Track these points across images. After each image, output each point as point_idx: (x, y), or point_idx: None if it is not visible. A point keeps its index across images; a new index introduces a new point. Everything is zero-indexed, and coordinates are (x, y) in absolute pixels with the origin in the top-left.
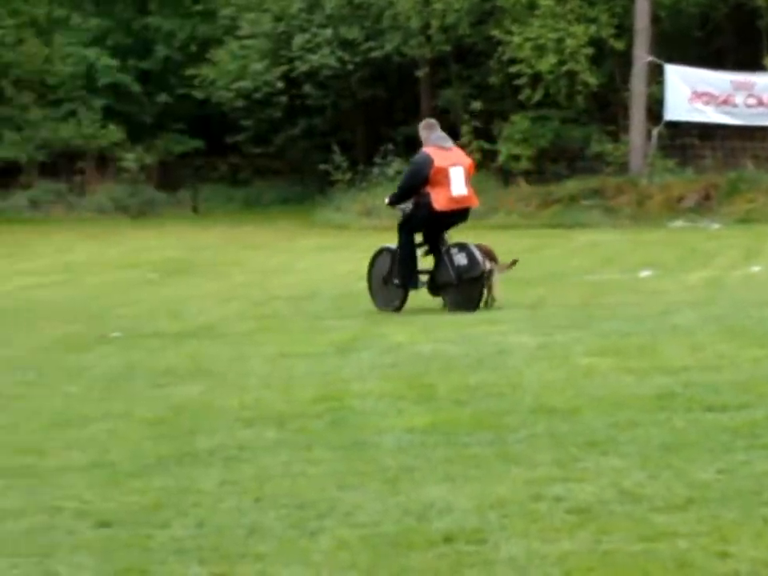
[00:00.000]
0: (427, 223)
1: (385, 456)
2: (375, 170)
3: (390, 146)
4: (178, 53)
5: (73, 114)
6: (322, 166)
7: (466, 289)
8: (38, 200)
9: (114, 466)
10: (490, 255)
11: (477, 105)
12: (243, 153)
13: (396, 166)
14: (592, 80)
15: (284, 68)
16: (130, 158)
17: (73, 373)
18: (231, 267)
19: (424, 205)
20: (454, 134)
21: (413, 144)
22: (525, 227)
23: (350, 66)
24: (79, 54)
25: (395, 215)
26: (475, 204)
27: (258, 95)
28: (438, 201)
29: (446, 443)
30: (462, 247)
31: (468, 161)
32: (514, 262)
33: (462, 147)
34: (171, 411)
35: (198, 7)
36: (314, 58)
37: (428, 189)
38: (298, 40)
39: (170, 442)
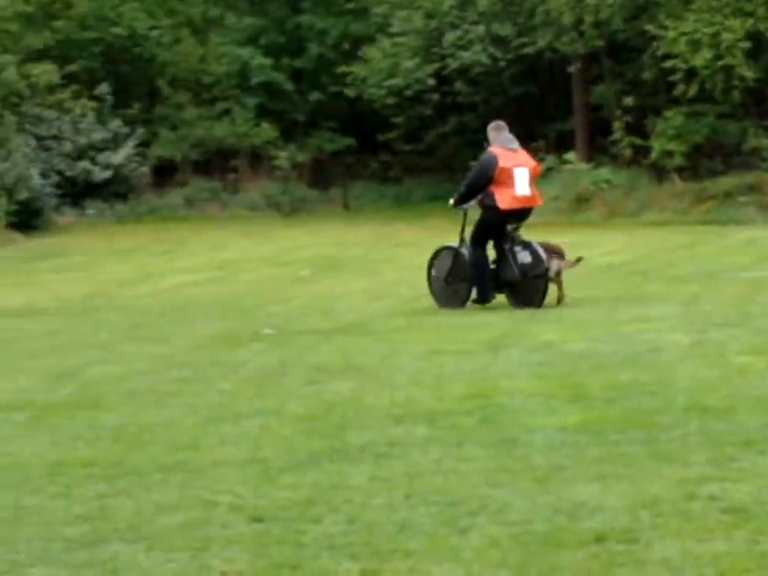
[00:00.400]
0: (494, 223)
1: (535, 454)
2: None
3: (542, 143)
4: (330, 51)
5: (227, 112)
6: (472, 163)
7: (529, 286)
8: (193, 198)
9: (267, 462)
10: (558, 253)
11: (629, 100)
12: (394, 150)
13: (548, 163)
14: (749, 74)
15: (435, 65)
16: (283, 156)
17: (227, 369)
18: (382, 264)
19: (489, 206)
20: (606, 130)
21: (564, 140)
22: (678, 224)
23: (502, 63)
24: (233, 53)
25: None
26: (538, 203)
27: (409, 92)
28: (503, 200)
29: (596, 442)
30: (527, 245)
31: (533, 163)
32: (579, 259)
33: (614, 143)
34: (322, 407)
35: (351, 5)
36: (466, 55)
37: (492, 188)
38: (450, 37)
39: (321, 439)
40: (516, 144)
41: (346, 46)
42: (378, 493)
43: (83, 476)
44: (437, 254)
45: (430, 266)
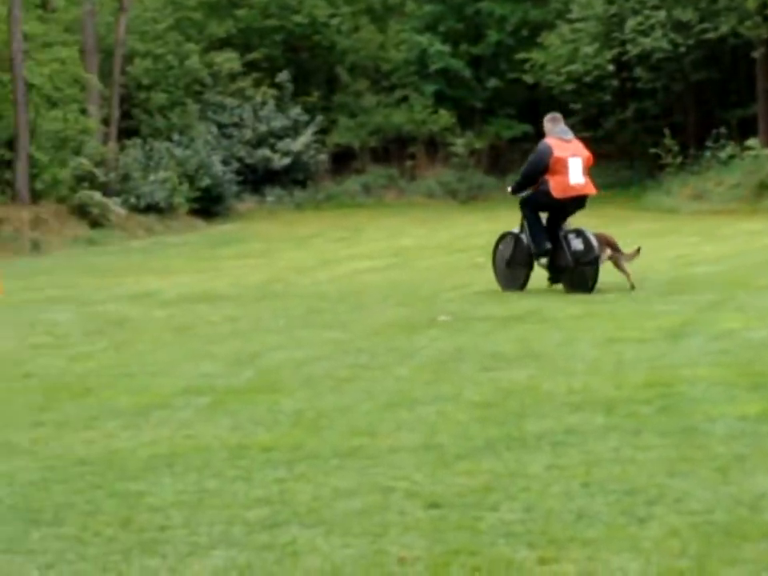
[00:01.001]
0: (546, 208)
1: (716, 443)
2: (707, 154)
3: (723, 129)
4: (509, 37)
5: (405, 99)
6: (652, 150)
7: (581, 272)
8: (370, 185)
9: (443, 448)
10: (610, 243)
11: None
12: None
13: (729, 150)
14: None
15: (615, 51)
16: (460, 144)
17: (403, 355)
18: None
19: (543, 192)
20: None
21: (746, 126)
22: None
23: (683, 49)
24: (412, 40)
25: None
26: (593, 192)
27: (588, 79)
28: (557, 189)
29: None
30: (579, 233)
31: (587, 153)
32: (638, 250)
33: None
34: (499, 394)
35: None
36: (646, 41)
37: (547, 177)
38: (631, 23)
39: (497, 426)
40: (570, 135)
41: (525, 32)
42: (555, 481)
43: (263, 460)
44: (501, 239)
45: (495, 249)
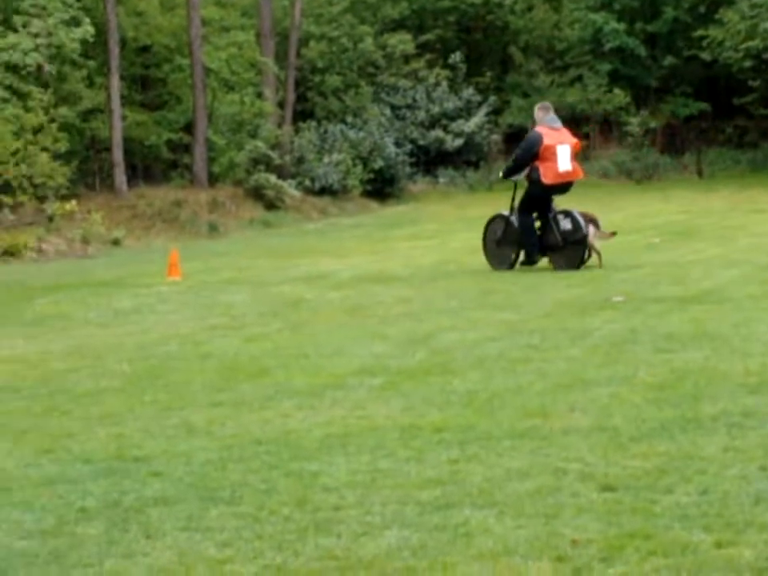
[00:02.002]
0: (539, 198)
1: None
2: None
3: None
4: (686, 14)
5: (579, 79)
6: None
7: (570, 250)
8: None
9: (617, 430)
10: (593, 221)
11: None
12: (750, 114)
13: None
14: None
15: None
16: (635, 122)
17: (576, 336)
18: (735, 231)
19: (535, 180)
20: None
21: None
22: None
23: None
24: (587, 18)
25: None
26: (580, 176)
27: (767, 55)
28: (546, 175)
29: None
30: (567, 214)
31: (574, 140)
32: (614, 233)
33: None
34: (674, 376)
35: None
36: None
37: (537, 163)
38: None
39: (672, 408)
40: (559, 123)
41: (702, 9)
42: (731, 464)
43: (435, 441)
44: (492, 220)
45: (486, 230)
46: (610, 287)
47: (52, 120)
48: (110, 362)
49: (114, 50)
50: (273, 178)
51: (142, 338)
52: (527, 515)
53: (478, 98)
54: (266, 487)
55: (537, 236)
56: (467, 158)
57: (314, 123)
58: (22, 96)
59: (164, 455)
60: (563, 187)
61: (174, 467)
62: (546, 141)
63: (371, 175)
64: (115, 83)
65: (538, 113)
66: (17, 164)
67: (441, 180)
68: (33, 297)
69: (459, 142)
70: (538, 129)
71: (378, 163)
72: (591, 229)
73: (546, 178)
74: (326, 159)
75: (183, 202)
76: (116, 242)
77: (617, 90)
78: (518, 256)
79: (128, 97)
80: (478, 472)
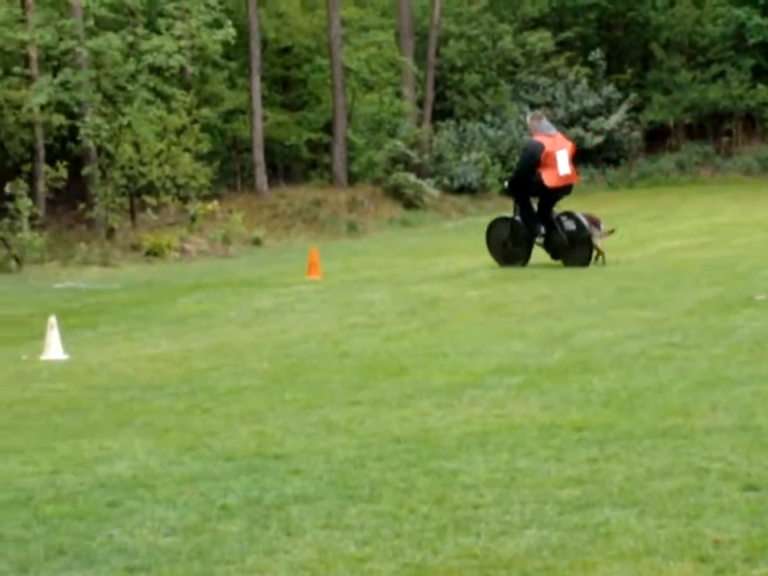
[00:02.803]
0: (539, 196)
1: None
2: None
3: None
4: None
5: (721, 75)
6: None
7: (577, 249)
8: (685, 162)
9: (760, 429)
10: (595, 222)
11: None
12: None
13: None
14: None
15: None
16: None
17: (718, 335)
18: None
19: (537, 182)
20: None
21: None
22: None
23: None
24: (730, 13)
25: None
26: (577, 181)
27: None
28: (549, 179)
29: None
30: (570, 215)
31: (569, 144)
32: (612, 231)
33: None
34: None
35: None
36: None
37: (540, 170)
38: None
39: None
40: (554, 130)
41: None
42: None
43: (575, 440)
44: (494, 224)
45: (489, 232)
46: (753, 285)
47: (194, 121)
48: (251, 361)
49: (256, 51)
50: (412, 177)
51: (282, 337)
52: (668, 515)
53: (619, 95)
54: (405, 485)
55: (534, 212)
56: (607, 155)
57: (452, 122)
58: (165, 98)
59: (304, 453)
60: (565, 190)
61: (313, 465)
62: (547, 148)
63: (510, 174)
64: (256, 84)
65: (532, 122)
66: (160, 165)
67: (580, 178)
68: (175, 296)
69: (599, 139)
70: (537, 138)
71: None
72: (594, 229)
73: (549, 182)
74: (464, 158)
75: (323, 201)
76: (257, 242)
77: (760, 86)
78: (530, 253)
79: (269, 97)
80: (619, 471)
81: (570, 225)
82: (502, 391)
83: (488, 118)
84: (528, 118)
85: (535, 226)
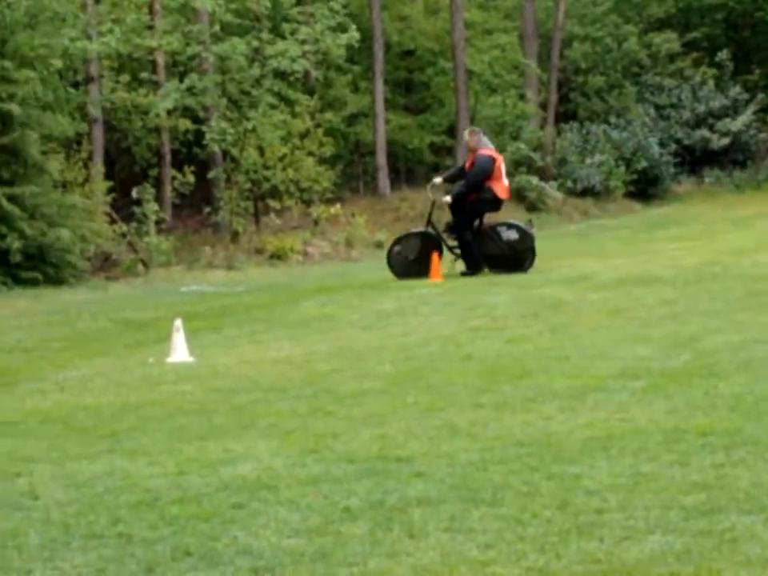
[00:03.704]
0: (485, 210)
1: None
2: None
3: None
4: None
5: None
6: None
7: (518, 258)
8: None
9: None
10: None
11: None
12: None
13: None
14: None
15: None
16: None
17: None
18: None
19: (489, 198)
20: None
21: None
22: None
23: None
24: None
25: None
26: None
27: None
28: (501, 191)
29: None
30: (510, 225)
31: (501, 156)
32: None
33: None
34: None
35: None
36: None
37: (490, 183)
38: None
39: None
40: (491, 143)
41: None
42: None
43: (700, 444)
44: (402, 238)
45: (393, 245)
46: None
47: (318, 125)
48: (373, 364)
49: (379, 54)
50: (535, 180)
51: (405, 340)
52: None
53: (746, 96)
54: (528, 489)
55: (478, 248)
56: (734, 157)
57: (576, 124)
58: (289, 102)
59: (426, 456)
60: (505, 201)
61: (436, 468)
62: (498, 161)
63: (634, 176)
64: (379, 87)
65: (472, 137)
66: (284, 169)
67: (706, 180)
68: (298, 299)
69: (726, 141)
70: (486, 151)
71: (642, 164)
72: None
73: (502, 194)
74: (588, 160)
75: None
76: (379, 245)
77: None
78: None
79: (392, 101)
80: (745, 477)
81: (511, 234)
82: (626, 395)
83: (612, 119)
84: (466, 135)
85: (480, 265)
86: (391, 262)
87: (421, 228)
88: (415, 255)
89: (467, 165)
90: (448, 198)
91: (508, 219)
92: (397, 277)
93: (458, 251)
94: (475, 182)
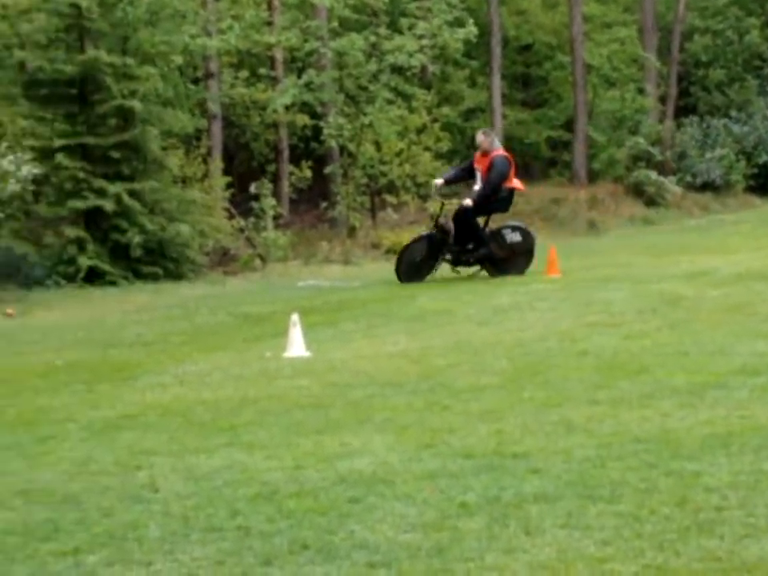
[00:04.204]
0: (498, 211)
1: None
2: None
3: None
4: None
5: None
6: None
7: (519, 259)
8: None
9: None
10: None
11: None
12: None
13: None
14: None
15: None
16: None
17: None
18: None
19: (505, 197)
20: None
21: None
22: None
23: None
24: None
25: None
26: None
27: None
28: (516, 187)
29: None
30: (514, 228)
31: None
32: None
33: None
34: None
35: None
36: None
37: (506, 184)
38: None
39: None
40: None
41: None
42: None
43: None
44: (410, 245)
45: (404, 250)
46: None
47: (434, 120)
48: (490, 359)
49: (496, 49)
50: (653, 175)
51: (521, 335)
52: None
53: None
54: (646, 486)
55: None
56: None
57: (696, 118)
58: (406, 97)
59: (542, 452)
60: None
61: (552, 464)
62: (512, 162)
63: (755, 170)
64: (497, 82)
65: (486, 139)
66: (400, 164)
67: None
68: (415, 294)
69: None
70: (504, 153)
71: (763, 158)
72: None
73: (519, 187)
74: (708, 155)
75: (562, 199)
76: None
77: None
78: (433, 268)
79: (509, 95)
80: None
81: (515, 237)
82: (746, 392)
83: (733, 113)
84: (481, 136)
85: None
86: (399, 266)
87: (428, 231)
88: (421, 257)
89: (481, 167)
90: (469, 201)
91: (508, 221)
92: (400, 280)
93: (466, 259)
94: (496, 185)
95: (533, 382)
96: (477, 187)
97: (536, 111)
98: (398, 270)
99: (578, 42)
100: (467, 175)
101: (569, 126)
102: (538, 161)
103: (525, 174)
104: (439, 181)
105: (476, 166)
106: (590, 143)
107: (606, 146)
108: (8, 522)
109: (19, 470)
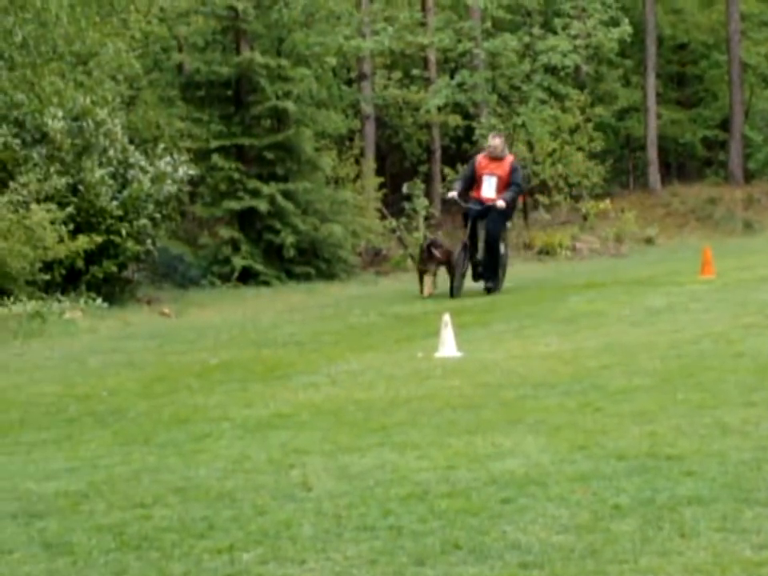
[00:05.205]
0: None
1: None
2: None
3: None
4: None
5: None
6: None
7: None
8: None
9: None
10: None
11: None
12: None
13: None
14: None
15: None
16: None
17: None
18: None
19: (516, 205)
20: None
21: None
22: None
23: None
24: None
25: None
26: None
27: None
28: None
29: None
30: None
31: None
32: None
33: None
34: None
35: None
36: None
37: None
38: None
39: None
40: None
41: None
42: None
43: None
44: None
45: (456, 262)
46: None
47: (588, 120)
48: (643, 360)
49: (651, 48)
50: None
51: (674, 337)
52: None
53: None
54: None
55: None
56: None
57: None
58: (559, 97)
59: (697, 454)
60: None
61: (707, 467)
62: None
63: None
64: (651, 81)
65: (502, 143)
66: (553, 164)
67: None
68: (567, 295)
69: None
70: (513, 158)
71: None
72: None
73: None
74: None
75: (717, 199)
76: (649, 241)
77: None
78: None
79: (664, 95)
80: None
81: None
82: None
83: None
84: (497, 140)
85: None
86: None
87: (464, 239)
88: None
89: (498, 172)
90: (502, 203)
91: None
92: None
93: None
94: (522, 186)
95: (686, 384)
96: (491, 191)
97: (691, 110)
98: (456, 285)
99: (734, 41)
100: (470, 184)
101: (724, 125)
102: (693, 160)
103: (680, 173)
104: (453, 193)
105: (483, 171)
106: (746, 143)
107: (763, 145)
108: (165, 519)
109: (176, 468)
